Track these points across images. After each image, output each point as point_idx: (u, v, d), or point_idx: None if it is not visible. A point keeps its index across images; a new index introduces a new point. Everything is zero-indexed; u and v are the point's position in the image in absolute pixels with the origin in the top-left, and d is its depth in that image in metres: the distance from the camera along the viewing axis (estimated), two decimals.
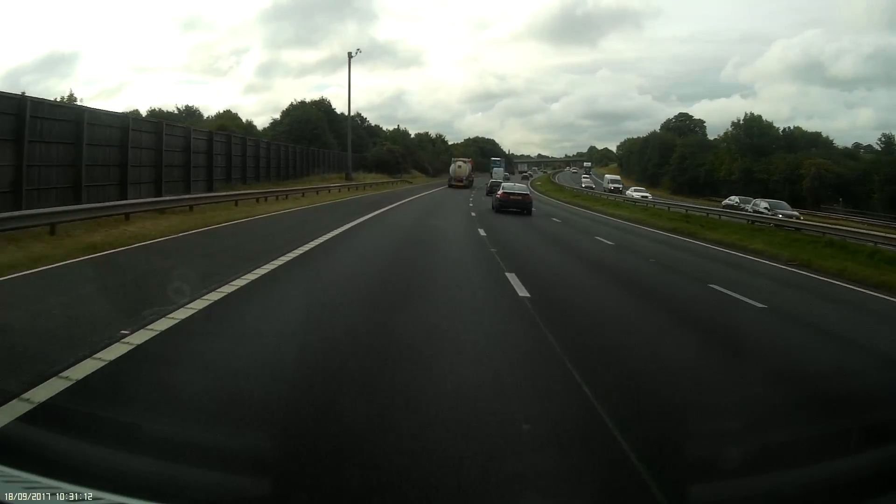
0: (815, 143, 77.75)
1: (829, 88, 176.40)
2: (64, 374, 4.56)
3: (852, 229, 25.28)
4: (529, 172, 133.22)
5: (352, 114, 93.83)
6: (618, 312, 8.72)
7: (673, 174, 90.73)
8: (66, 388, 4.34)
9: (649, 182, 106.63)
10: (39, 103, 16.17)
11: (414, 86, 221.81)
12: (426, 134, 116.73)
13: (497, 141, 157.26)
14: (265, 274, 9.40)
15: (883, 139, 71.64)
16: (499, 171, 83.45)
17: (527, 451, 3.82)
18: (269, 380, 4.84)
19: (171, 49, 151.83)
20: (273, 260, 10.60)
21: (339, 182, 49.42)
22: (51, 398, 4.12)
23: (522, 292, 9.02)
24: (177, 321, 6.26)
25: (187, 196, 22.18)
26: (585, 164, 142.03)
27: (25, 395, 4.07)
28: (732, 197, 46.43)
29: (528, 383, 5.20)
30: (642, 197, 53.14)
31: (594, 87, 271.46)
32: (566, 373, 5.30)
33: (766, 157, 71.19)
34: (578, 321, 7.87)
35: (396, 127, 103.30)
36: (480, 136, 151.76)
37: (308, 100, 75.41)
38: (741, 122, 75.70)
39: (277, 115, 74.11)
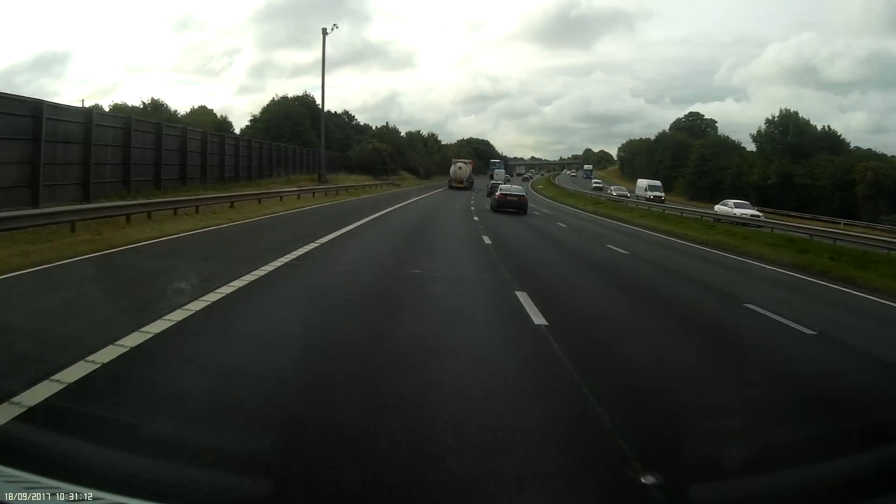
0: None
1: (823, 91, 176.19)
2: None
3: None
4: (528, 175, 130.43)
5: (340, 112, 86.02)
6: (677, 360, 6.37)
7: (691, 177, 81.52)
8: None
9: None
10: None
11: (407, 87, 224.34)
12: (417, 133, 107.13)
13: (491, 143, 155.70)
14: None
15: None
16: (500, 173, 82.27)
17: None
18: None
19: (164, 49, 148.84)
20: None
21: (310, 184, 39.86)
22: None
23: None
24: None
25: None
26: (586, 166, 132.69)
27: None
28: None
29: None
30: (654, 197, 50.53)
31: (587, 89, 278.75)
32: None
33: (806, 159, 62.00)
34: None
35: (385, 124, 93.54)
36: (474, 137, 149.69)
37: (291, 95, 67.94)
38: (775, 118, 66.54)
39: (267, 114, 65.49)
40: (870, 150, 65.53)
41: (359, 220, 20.95)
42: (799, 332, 7.89)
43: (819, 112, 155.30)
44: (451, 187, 62.85)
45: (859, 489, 3.44)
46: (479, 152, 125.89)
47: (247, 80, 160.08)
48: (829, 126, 66.50)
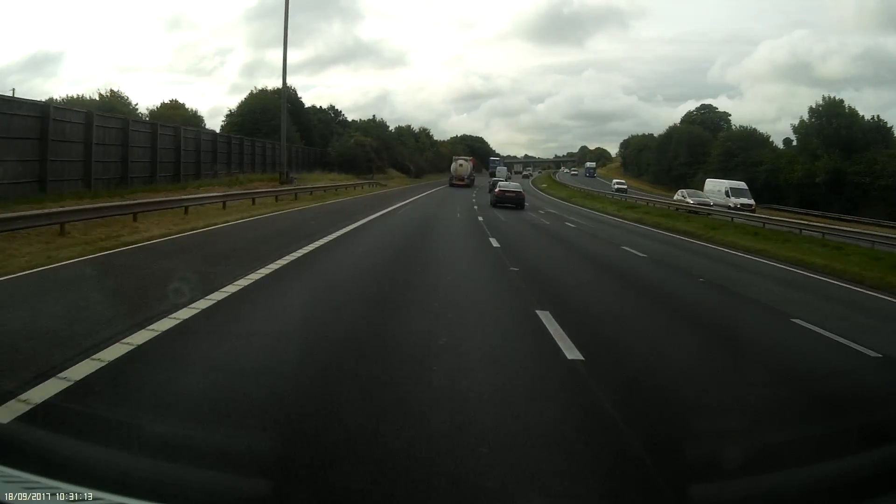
0: None
1: (816, 89, 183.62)
2: None
3: None
4: (527, 172, 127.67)
5: (325, 107, 77.26)
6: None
7: (714, 175, 72.56)
8: None
9: (673, 184, 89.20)
10: None
11: (399, 86, 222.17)
12: (408, 127, 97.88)
13: (483, 141, 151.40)
14: None
15: None
16: (502, 170, 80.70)
17: None
18: None
19: (156, 49, 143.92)
20: None
21: (266, 186, 30.79)
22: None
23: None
24: None
25: None
26: (588, 164, 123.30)
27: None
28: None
29: None
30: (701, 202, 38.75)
31: (580, 87, 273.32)
32: None
33: (858, 153, 53.23)
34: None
35: (372, 117, 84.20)
36: (468, 134, 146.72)
37: (270, 87, 59.09)
38: (819, 107, 57.69)
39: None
40: None
41: (306, 242, 12.51)
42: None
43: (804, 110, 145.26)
44: (451, 185, 62.24)
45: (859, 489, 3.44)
46: (473, 149, 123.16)
47: (238, 80, 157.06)
48: (878, 116, 57.71)
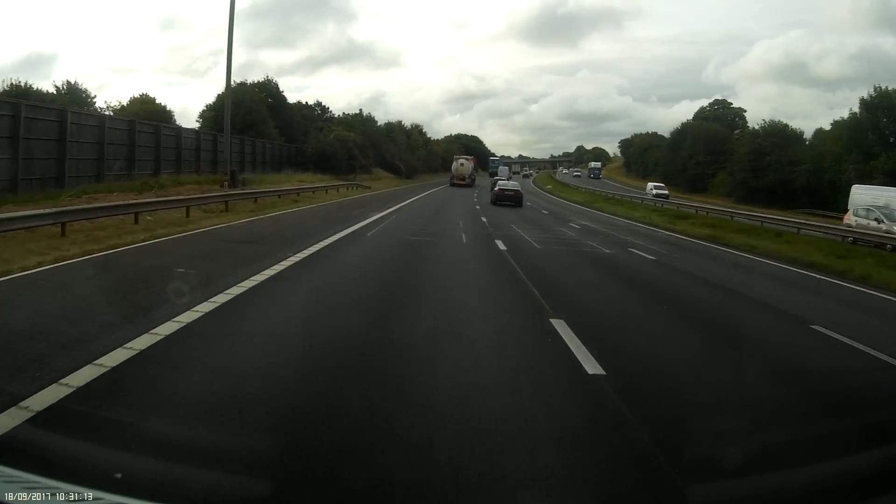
0: None
1: (812, 89, 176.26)
2: None
3: None
4: (527, 172, 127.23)
5: (311, 103, 69.45)
6: None
7: (741, 176, 64.87)
8: None
9: (690, 186, 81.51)
10: None
11: (393, 87, 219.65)
12: (398, 123, 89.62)
13: (480, 139, 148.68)
14: None
15: None
16: (503, 170, 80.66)
17: None
18: None
19: (149, 49, 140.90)
20: None
21: (204, 190, 22.84)
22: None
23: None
24: None
25: None
26: (592, 164, 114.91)
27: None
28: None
29: None
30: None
31: (574, 87, 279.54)
32: None
33: None
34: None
35: (359, 111, 75.97)
36: (462, 133, 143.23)
37: (250, 81, 53.95)
38: (872, 97, 49.88)
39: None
40: None
41: None
42: None
43: (807, 110, 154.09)
44: (452, 184, 61.81)
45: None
46: (469, 149, 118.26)
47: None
48: None
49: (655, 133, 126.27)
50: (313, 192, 30.00)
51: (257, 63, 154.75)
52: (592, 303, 9.03)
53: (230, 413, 4.06)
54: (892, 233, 21.82)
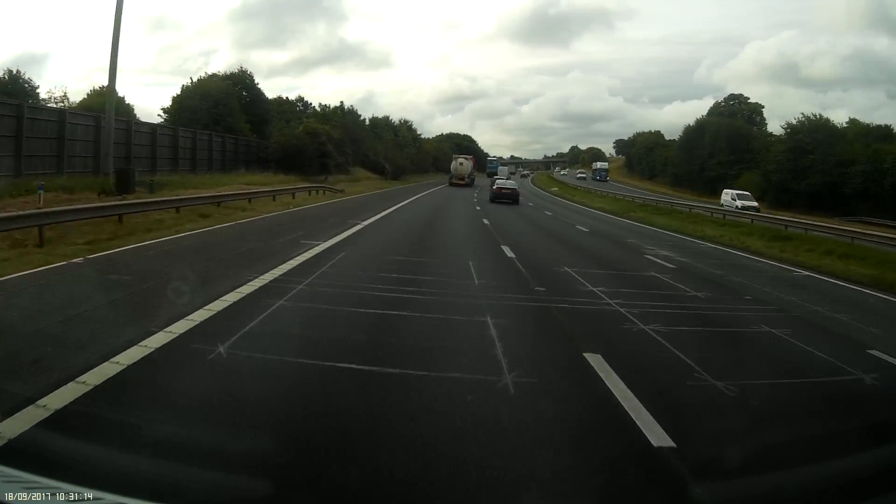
0: None
1: (804, 89, 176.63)
2: None
3: None
4: (526, 172, 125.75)
5: (293, 98, 60.51)
6: None
7: (778, 178, 56.43)
8: None
9: (708, 188, 72.99)
10: None
11: (384, 88, 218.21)
12: (385, 119, 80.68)
13: (473, 139, 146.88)
14: None
15: None
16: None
17: None
18: None
19: (140, 50, 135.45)
20: None
21: (74, 200, 14.01)
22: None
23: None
24: None
25: None
26: (599, 164, 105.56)
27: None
28: None
29: None
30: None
31: (566, 88, 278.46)
32: None
33: None
34: None
35: (339, 104, 66.87)
36: (454, 132, 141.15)
37: (223, 72, 47.97)
38: None
39: None
40: None
41: None
42: None
43: (800, 110, 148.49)
44: (451, 184, 60.70)
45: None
46: (461, 148, 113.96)
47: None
48: None
49: (658, 132, 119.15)
50: (249, 200, 21.01)
51: (249, 63, 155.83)
52: None
53: None
54: None
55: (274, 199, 23.69)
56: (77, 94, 42.68)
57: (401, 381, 4.69)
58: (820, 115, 57.94)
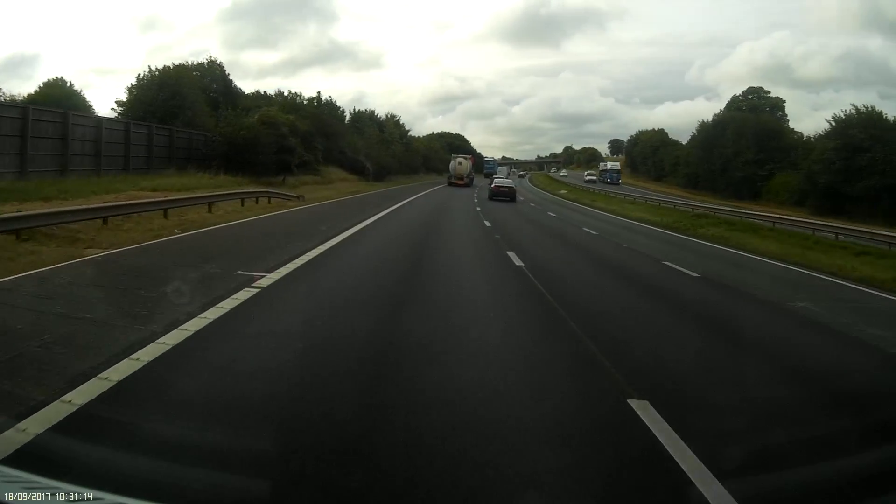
0: None
1: (796, 90, 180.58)
2: None
3: None
4: (522, 173, 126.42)
5: (271, 92, 52.26)
6: None
7: (825, 182, 48.09)
8: None
9: (734, 192, 64.71)
10: None
11: (374, 89, 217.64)
12: (369, 113, 71.86)
13: (466, 138, 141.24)
14: None
15: None
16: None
17: None
18: None
19: (131, 51, 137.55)
20: None
21: None
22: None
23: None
24: None
25: None
26: (609, 164, 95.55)
27: None
28: None
29: None
30: None
31: (556, 89, 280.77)
32: None
33: None
34: None
35: (317, 95, 57.84)
36: (446, 131, 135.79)
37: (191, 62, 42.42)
38: None
39: None
40: None
41: None
42: None
43: (791, 110, 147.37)
44: (450, 184, 60.30)
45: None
46: (452, 147, 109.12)
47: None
48: None
49: (662, 130, 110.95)
50: (105, 220, 12.28)
51: (238, 64, 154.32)
52: None
53: None
54: None
55: (166, 216, 14.96)
56: (71, 95, 36.44)
57: None
58: (872, 107, 49.72)
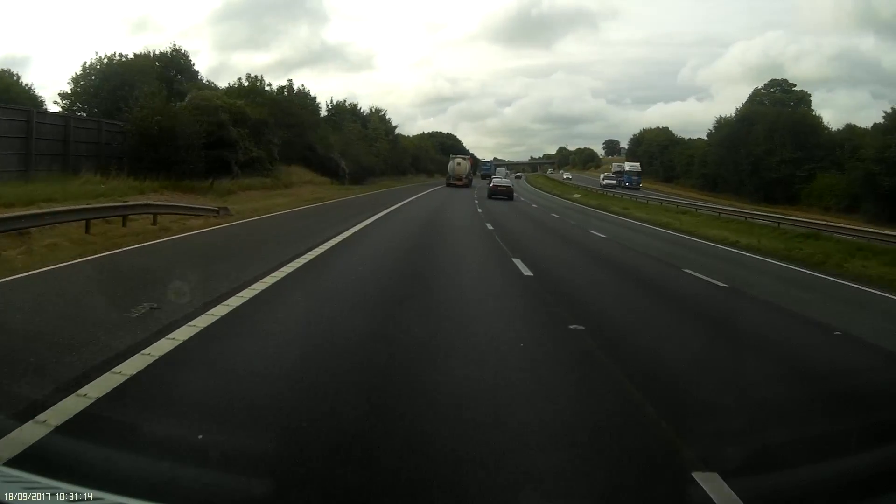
0: None
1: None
2: None
3: None
4: (519, 174, 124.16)
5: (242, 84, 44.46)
6: None
7: (890, 184, 40.23)
8: None
9: (763, 196, 56.73)
10: None
11: (365, 90, 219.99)
12: (349, 106, 63.48)
13: (458, 138, 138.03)
14: None
15: None
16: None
17: None
18: None
19: (121, 51, 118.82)
20: None
21: None
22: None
23: None
24: None
25: None
26: (629, 165, 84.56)
27: None
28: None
29: None
30: None
31: (548, 90, 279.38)
32: None
33: None
34: None
35: (289, 83, 49.13)
36: (437, 131, 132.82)
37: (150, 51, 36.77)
38: None
39: None
40: None
41: None
42: None
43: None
44: (449, 184, 60.28)
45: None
46: (444, 147, 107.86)
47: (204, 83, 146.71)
48: None
49: (667, 128, 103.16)
50: None
51: (229, 65, 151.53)
52: None
53: None
54: None
55: None
56: (64, 97, 32.70)
57: None
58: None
